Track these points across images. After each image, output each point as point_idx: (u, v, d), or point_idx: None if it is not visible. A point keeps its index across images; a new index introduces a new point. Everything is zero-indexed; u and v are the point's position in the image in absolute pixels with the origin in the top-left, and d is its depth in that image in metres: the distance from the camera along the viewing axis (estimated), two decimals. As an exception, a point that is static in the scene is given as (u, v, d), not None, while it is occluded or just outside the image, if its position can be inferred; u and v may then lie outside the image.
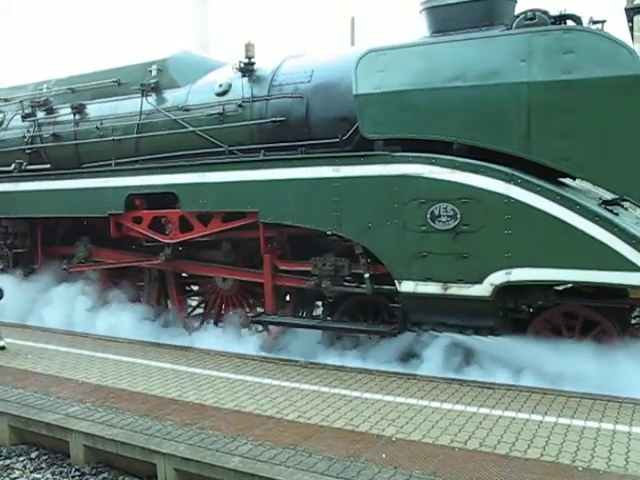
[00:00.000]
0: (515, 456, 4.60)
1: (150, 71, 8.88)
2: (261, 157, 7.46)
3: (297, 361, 7.27)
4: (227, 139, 8.05)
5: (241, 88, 8.09)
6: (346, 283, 7.25)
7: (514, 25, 6.56)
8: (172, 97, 8.67)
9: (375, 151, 6.90)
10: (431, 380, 6.43)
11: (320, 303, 8.41)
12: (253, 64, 8.07)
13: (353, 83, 6.84)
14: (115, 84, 9.24)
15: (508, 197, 6.21)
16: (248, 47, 8.03)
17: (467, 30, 6.84)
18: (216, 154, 8.09)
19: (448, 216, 6.43)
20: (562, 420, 5.25)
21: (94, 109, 9.42)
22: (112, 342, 8.33)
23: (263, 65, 8.13)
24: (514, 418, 5.33)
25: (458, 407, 5.62)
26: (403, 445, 4.83)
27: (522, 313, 6.71)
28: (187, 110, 8.42)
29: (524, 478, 4.26)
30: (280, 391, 6.16)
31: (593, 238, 5.94)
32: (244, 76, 8.11)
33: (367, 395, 5.98)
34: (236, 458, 4.66)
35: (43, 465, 5.64)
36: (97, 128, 9.16)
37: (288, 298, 8.25)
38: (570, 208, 6.01)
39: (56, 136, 9.63)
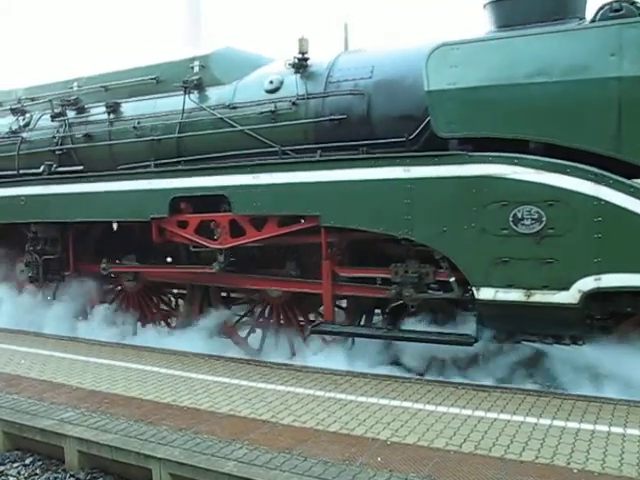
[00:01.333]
0: (510, 459, 4.58)
1: (192, 68, 8.45)
2: (330, 157, 7.03)
3: (292, 365, 7.20)
4: (279, 138, 7.63)
5: (294, 85, 7.69)
6: (430, 290, 6.86)
7: (598, 17, 6.21)
8: (217, 95, 8.25)
9: (448, 151, 6.54)
10: (426, 383, 6.45)
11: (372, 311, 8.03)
12: (307, 59, 7.67)
13: (424, 79, 6.46)
14: (153, 81, 8.79)
15: (598, 199, 5.86)
16: (302, 42, 7.64)
17: (537, 24, 6.50)
18: (266, 154, 7.69)
19: (532, 219, 6.06)
20: (557, 422, 5.24)
21: (130, 108, 8.97)
22: (106, 347, 8.32)
23: (316, 61, 7.74)
24: (509, 421, 5.32)
25: (453, 410, 5.60)
26: (398, 448, 4.83)
27: (606, 321, 6.38)
28: (234, 108, 8.00)
29: None
30: (275, 395, 6.15)
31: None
32: (296, 72, 7.71)
33: (362, 399, 5.97)
34: (231, 462, 4.65)
35: (37, 471, 5.60)
36: (134, 128, 8.71)
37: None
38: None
39: (89, 136, 9.17)
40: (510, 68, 6.21)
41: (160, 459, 4.86)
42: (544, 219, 6.01)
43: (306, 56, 7.66)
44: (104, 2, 29.23)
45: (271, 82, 7.87)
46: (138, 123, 8.69)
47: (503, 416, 5.43)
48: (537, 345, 6.67)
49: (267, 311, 8.47)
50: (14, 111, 10.14)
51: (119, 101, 9.04)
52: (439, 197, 6.43)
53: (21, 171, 9.72)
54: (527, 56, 6.17)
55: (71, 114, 9.49)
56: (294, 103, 7.60)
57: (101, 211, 8.61)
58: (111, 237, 9.43)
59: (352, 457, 4.67)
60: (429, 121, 6.69)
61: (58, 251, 9.29)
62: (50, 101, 9.62)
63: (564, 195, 5.94)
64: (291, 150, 7.59)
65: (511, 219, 6.14)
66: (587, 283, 5.93)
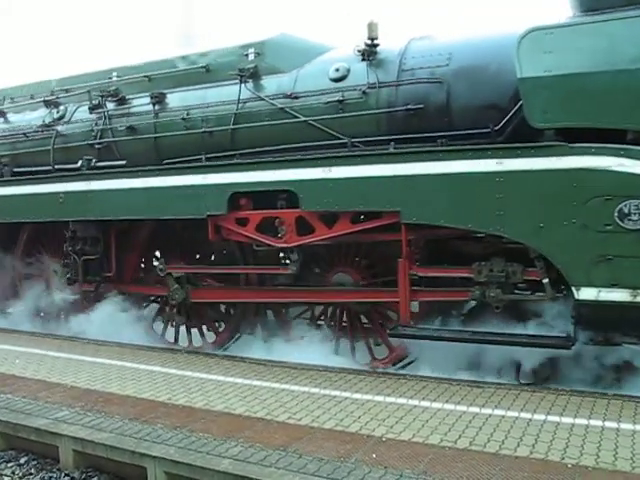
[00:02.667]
0: (505, 454, 4.58)
1: (246, 55, 7.96)
2: (418, 149, 6.56)
3: (286, 362, 7.16)
4: (347, 130, 7.19)
5: (363, 73, 7.24)
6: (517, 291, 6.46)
7: None
8: (276, 84, 7.77)
9: (536, 142, 6.13)
10: (420, 379, 6.44)
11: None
12: (377, 46, 7.23)
13: (517, 66, 6.04)
14: (202, 70, 8.29)
15: None
16: (371, 27, 7.19)
17: (630, 7, 6.09)
18: (331, 147, 7.25)
19: (640, 214, 5.70)
20: (551, 418, 5.24)
21: (177, 98, 8.46)
22: (102, 346, 8.29)
23: (384, 48, 7.29)
24: (503, 416, 5.32)
25: (448, 406, 5.61)
26: (393, 445, 4.82)
27: None
28: (296, 98, 7.54)
29: (513, 476, 4.24)
30: (270, 392, 6.14)
31: None
32: (364, 59, 7.26)
33: (357, 395, 5.97)
34: (226, 460, 4.65)
35: (32, 471, 5.56)
36: (183, 119, 8.21)
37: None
38: None
39: (131, 129, 8.65)
40: (613, 53, 5.80)
41: (155, 457, 4.84)
42: (654, 214, 5.63)
43: (376, 42, 7.21)
44: (101, 2, 28.49)
45: (337, 70, 7.40)
46: (187, 114, 8.19)
47: (498, 412, 5.42)
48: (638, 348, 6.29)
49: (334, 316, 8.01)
50: (47, 103, 9.57)
51: (164, 91, 8.53)
52: (535, 191, 6.00)
53: (56, 166, 9.18)
54: (632, 40, 5.77)
55: (110, 105, 8.96)
56: (364, 92, 7.15)
57: (149, 208, 8.10)
58: (154, 236, 8.94)
59: (347, 454, 4.65)
60: (516, 110, 6.31)
61: (99, 251, 8.75)
62: (88, 92, 9.08)
63: (677, 189, 5.57)
64: (360, 142, 7.15)
65: (616, 214, 5.73)
66: (700, 283, 5.58)
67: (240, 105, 7.86)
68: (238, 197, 7.53)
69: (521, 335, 6.45)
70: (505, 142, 6.36)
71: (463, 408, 5.53)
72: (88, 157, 8.81)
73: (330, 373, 6.69)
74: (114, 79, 9.00)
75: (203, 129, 8.02)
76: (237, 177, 7.41)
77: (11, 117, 10.16)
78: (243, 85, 7.84)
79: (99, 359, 7.55)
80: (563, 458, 4.47)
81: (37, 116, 9.71)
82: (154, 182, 8.01)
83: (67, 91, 9.55)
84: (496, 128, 6.50)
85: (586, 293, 5.91)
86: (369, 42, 7.20)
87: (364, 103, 7.17)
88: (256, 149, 7.71)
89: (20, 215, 9.39)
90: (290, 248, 7.36)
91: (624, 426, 5.00)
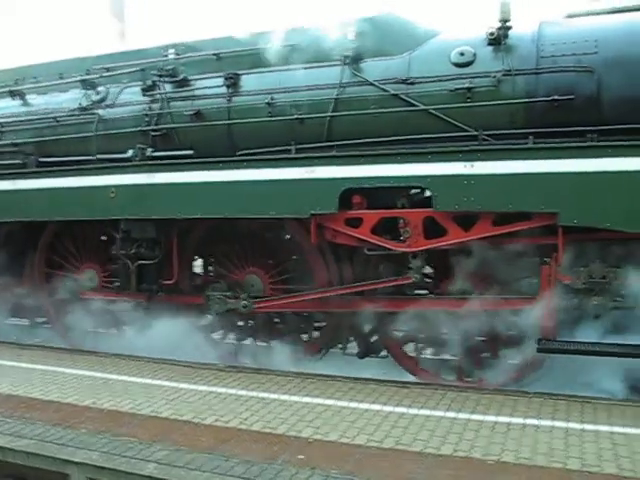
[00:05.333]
0: (429, 453, 4.69)
1: (345, 35, 7.04)
2: (593, 143, 5.90)
3: (215, 364, 7.12)
4: (475, 121, 6.45)
5: (493, 58, 6.51)
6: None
7: None
8: (383, 67, 6.90)
9: None
10: (349, 381, 6.45)
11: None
12: (509, 29, 6.51)
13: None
14: (290, 48, 7.27)
15: None
16: (504, 6, 6.46)
17: None
18: (455, 139, 6.48)
19: None
20: (475, 416, 5.38)
21: (254, 80, 7.41)
22: (25, 350, 8.07)
23: (514, 32, 6.58)
24: (429, 416, 5.43)
25: (375, 407, 5.67)
26: (320, 446, 4.87)
27: None
28: (412, 84, 6.71)
29: (437, 474, 4.36)
30: (197, 395, 6.11)
31: None
32: (492, 44, 6.54)
33: (285, 397, 5.99)
34: (151, 464, 4.61)
35: None
36: (268, 104, 7.18)
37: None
38: None
39: (199, 114, 7.51)
40: None
41: (78, 463, 4.74)
42: None
43: (508, 25, 6.49)
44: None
45: (462, 54, 6.62)
46: (272, 99, 7.17)
47: (424, 412, 5.52)
48: None
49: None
50: (85, 83, 8.20)
51: (239, 72, 7.46)
52: None
53: (98, 156, 7.90)
54: None
55: (168, 87, 7.77)
56: (498, 80, 6.41)
57: (231, 206, 7.02)
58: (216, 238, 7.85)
59: (274, 455, 4.68)
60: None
61: (157, 255, 7.56)
62: (142, 70, 7.85)
63: None
64: (490, 135, 6.41)
65: None
66: None
67: (340, 90, 6.94)
68: (350, 194, 6.61)
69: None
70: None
71: (390, 408, 5.61)
72: (141, 145, 7.59)
73: (258, 375, 6.69)
74: (171, 57, 7.80)
75: (295, 115, 7.03)
76: (353, 171, 6.49)
77: (33, 99, 8.68)
78: (345, 67, 6.92)
79: (22, 363, 7.32)
80: (486, 455, 4.60)
81: (70, 98, 8.31)
82: (239, 175, 6.95)
83: (108, 70, 8.24)
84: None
85: None
86: (501, 25, 6.48)
87: (497, 92, 6.44)
88: (363, 140, 6.79)
89: (53, 213, 8.00)
90: (414, 253, 6.52)
91: (543, 422, 5.19)
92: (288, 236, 7.64)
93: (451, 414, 5.43)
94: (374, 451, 4.72)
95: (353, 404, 5.73)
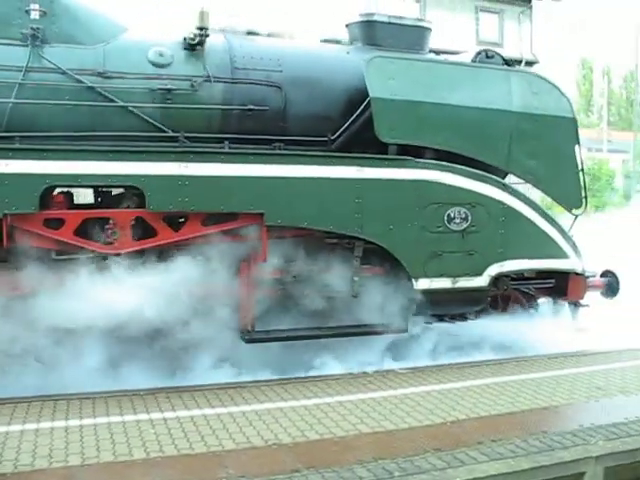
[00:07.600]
0: None
1: (27, 12, 6.22)
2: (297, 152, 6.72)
3: None
4: (175, 122, 6.52)
5: (190, 63, 6.70)
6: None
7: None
8: (76, 55, 6.30)
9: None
10: None
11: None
12: (207, 36, 6.71)
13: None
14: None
15: (503, 203, 7.31)
16: (203, 15, 6.60)
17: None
18: (153, 139, 6.46)
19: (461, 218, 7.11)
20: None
21: None
22: None
23: (210, 40, 6.81)
24: None
25: None
26: None
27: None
28: (109, 78, 6.35)
29: None
30: None
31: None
32: (187, 49, 6.71)
33: None
34: None
35: None
36: None
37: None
38: (536, 211, 7.54)
39: None
40: (435, 88, 7.16)
41: None
42: (469, 218, 7.12)
43: (207, 32, 6.69)
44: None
45: (161, 55, 6.58)
46: None
47: None
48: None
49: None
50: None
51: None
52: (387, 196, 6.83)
53: None
54: (446, 81, 7.23)
55: None
56: (199, 85, 6.61)
57: None
58: None
59: None
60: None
61: None
62: None
63: (483, 199, 7.20)
64: (189, 138, 6.56)
65: (445, 218, 7.05)
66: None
67: (27, 75, 6.19)
68: (52, 193, 5.98)
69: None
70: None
71: None
72: None
73: None
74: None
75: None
76: (57, 167, 5.84)
77: None
78: (33, 50, 6.22)
79: None
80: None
81: None
82: None
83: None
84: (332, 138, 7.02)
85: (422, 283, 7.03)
86: (198, 32, 6.69)
87: (196, 96, 6.64)
88: (51, 133, 6.20)
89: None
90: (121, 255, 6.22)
91: (43, 425, 5.01)
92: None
93: None
94: None
95: None
